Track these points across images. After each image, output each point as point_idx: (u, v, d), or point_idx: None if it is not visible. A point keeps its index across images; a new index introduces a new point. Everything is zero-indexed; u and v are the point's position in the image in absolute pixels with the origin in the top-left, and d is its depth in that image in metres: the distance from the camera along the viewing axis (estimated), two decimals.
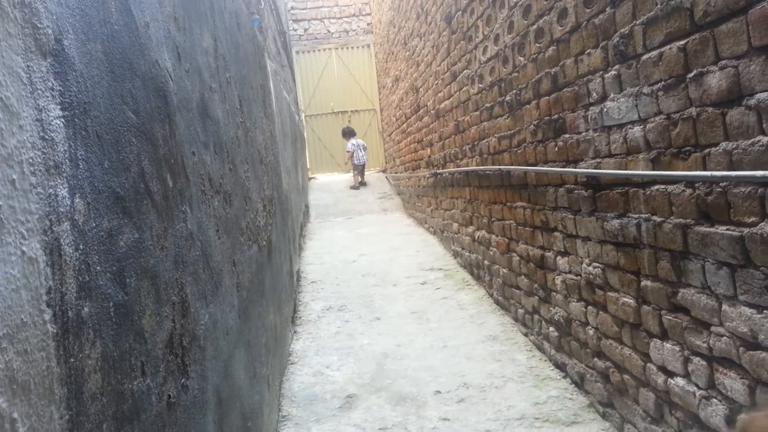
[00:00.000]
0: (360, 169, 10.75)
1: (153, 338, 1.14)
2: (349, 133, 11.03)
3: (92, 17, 1.00)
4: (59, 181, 0.82)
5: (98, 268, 0.91)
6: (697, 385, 1.96)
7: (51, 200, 0.79)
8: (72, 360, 0.79)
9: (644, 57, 2.07)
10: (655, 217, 2.11)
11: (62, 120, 0.84)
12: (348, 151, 10.77)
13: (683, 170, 1.92)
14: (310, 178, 11.31)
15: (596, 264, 2.63)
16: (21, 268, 0.69)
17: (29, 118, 0.75)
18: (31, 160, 0.74)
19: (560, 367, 3.19)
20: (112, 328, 0.94)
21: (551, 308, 3.25)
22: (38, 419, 0.70)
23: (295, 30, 11.88)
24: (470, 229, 4.99)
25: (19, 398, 0.66)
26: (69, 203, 0.84)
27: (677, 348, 2.05)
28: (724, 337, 1.79)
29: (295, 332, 4.23)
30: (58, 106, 0.84)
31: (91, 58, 0.98)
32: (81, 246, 0.86)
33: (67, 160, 0.84)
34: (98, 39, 1.02)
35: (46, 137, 0.79)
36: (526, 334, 3.74)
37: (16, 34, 0.73)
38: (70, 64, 0.89)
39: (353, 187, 10.66)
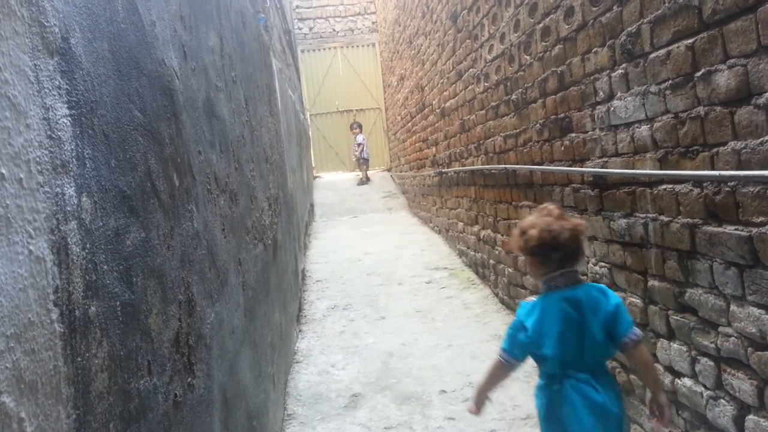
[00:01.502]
0: (367, 164, 10.82)
1: (159, 337, 1.14)
2: (359, 127, 11.08)
3: (99, 15, 1.00)
4: (66, 180, 0.81)
5: (105, 267, 0.91)
6: (704, 386, 1.94)
7: (58, 199, 0.78)
8: (79, 359, 0.79)
9: (652, 55, 2.05)
10: (662, 217, 2.10)
11: (69, 119, 0.84)
12: (359, 144, 10.78)
13: (691, 169, 1.90)
14: (315, 177, 11.33)
15: (603, 263, 2.62)
16: (28, 267, 0.69)
17: (36, 117, 0.75)
18: (38, 159, 0.74)
19: None
20: (119, 327, 0.94)
21: None
22: (45, 419, 0.70)
23: (300, 29, 11.89)
24: (475, 228, 4.98)
25: (26, 398, 0.66)
26: (76, 202, 0.83)
27: (684, 348, 2.04)
28: (732, 338, 1.78)
29: (300, 331, 4.23)
30: (65, 105, 0.83)
31: (98, 56, 0.97)
32: (88, 245, 0.86)
33: (74, 159, 0.84)
34: (105, 37, 1.02)
35: (53, 136, 0.79)
36: None
37: (23, 32, 0.73)
38: (77, 62, 0.89)
39: (360, 183, 10.71)
